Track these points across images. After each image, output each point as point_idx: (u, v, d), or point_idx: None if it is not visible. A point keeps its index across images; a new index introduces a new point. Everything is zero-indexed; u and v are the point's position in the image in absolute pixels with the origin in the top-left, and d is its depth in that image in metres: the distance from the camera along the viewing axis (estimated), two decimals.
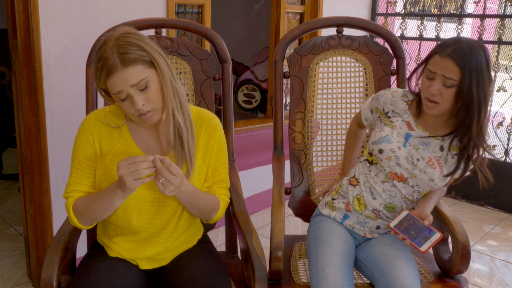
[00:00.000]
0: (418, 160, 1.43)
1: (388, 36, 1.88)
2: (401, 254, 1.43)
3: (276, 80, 1.84)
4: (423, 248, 1.35)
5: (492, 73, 3.26)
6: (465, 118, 1.34)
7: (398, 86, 1.90)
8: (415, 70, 1.46)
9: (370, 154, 1.52)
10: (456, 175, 1.47)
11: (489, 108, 1.37)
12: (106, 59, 1.13)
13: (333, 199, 1.59)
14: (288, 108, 1.95)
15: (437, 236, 1.36)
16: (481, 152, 1.42)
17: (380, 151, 1.46)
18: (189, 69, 1.73)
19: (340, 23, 1.89)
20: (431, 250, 1.60)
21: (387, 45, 1.94)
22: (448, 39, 1.38)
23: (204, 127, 1.33)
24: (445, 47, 1.33)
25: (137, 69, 1.14)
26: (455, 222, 1.49)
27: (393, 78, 1.95)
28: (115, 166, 1.21)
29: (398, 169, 1.45)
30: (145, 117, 1.19)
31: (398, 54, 1.88)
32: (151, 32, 1.74)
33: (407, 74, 1.65)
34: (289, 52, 2.07)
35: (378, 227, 1.52)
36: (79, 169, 1.28)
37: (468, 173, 1.49)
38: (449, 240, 1.53)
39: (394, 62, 1.91)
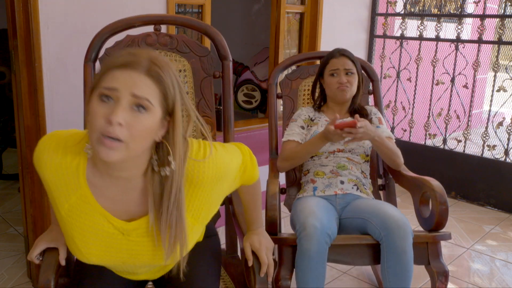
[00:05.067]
0: None
1: (363, 64, 2.21)
2: (386, 203, 1.76)
3: (271, 99, 2.18)
4: (337, 123, 1.67)
5: (492, 73, 3.28)
6: (358, 92, 1.96)
7: (375, 101, 2.26)
8: (315, 85, 2.05)
9: None
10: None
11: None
12: (134, 53, 0.94)
13: (302, 188, 1.93)
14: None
15: (351, 119, 1.75)
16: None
17: None
18: (188, 67, 1.73)
19: (323, 55, 2.09)
20: (415, 215, 1.82)
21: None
22: (329, 53, 1.98)
23: (192, 183, 1.05)
24: (334, 53, 1.94)
25: (152, 88, 0.92)
26: (432, 179, 1.75)
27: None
28: (73, 225, 1.04)
29: (333, 147, 1.88)
30: (108, 142, 0.89)
31: (373, 77, 2.25)
32: (150, 28, 1.72)
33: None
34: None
35: (342, 182, 1.85)
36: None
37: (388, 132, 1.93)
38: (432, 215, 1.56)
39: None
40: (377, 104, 2.22)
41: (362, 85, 1.98)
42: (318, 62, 2.16)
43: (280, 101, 2.26)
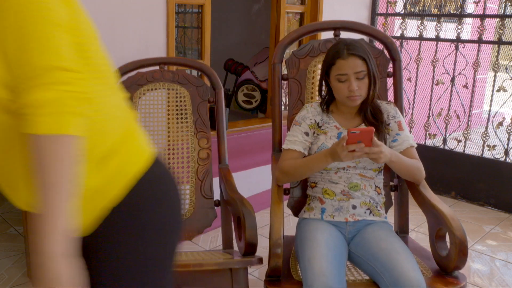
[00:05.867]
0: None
1: (384, 39, 1.92)
2: (400, 248, 1.50)
3: (275, 82, 1.90)
4: (351, 133, 1.42)
5: (492, 73, 3.28)
6: (370, 94, 1.63)
7: (395, 86, 1.94)
8: (321, 82, 1.72)
9: None
10: (400, 146, 1.68)
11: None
12: None
13: (308, 204, 1.73)
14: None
15: (367, 128, 1.45)
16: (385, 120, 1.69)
17: None
18: (187, 94, 2.03)
19: (337, 26, 1.96)
20: (429, 249, 1.65)
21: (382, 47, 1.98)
22: (334, 46, 1.64)
23: None
24: (340, 51, 1.59)
25: None
26: (452, 218, 1.51)
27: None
28: None
29: (344, 164, 1.63)
30: None
31: (394, 56, 1.92)
32: (156, 67, 2.07)
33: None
34: (289, 52, 2.10)
35: (354, 207, 1.64)
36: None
37: (410, 142, 1.72)
38: (448, 239, 1.53)
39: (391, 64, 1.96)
40: (397, 89, 1.93)
41: (377, 79, 1.64)
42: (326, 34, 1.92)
43: (284, 100, 2.14)
